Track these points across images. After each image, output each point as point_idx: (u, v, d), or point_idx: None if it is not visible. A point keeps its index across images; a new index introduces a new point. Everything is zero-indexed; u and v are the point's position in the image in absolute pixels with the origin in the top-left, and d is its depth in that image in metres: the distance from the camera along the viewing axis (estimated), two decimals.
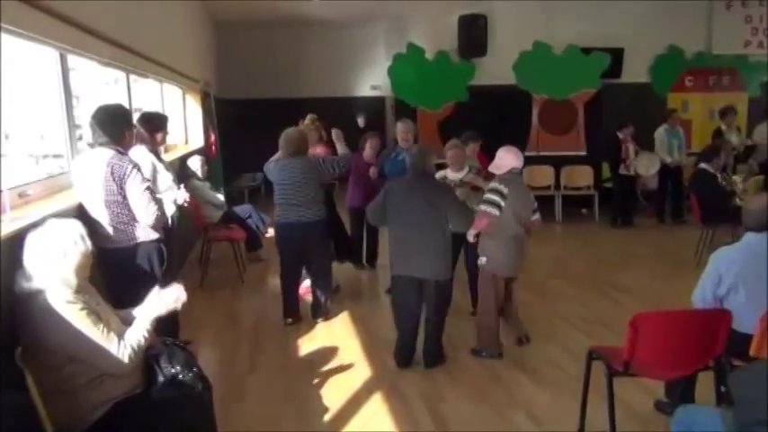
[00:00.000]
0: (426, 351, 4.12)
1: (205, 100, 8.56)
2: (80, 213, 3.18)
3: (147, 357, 2.52)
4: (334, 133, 5.18)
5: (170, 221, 3.97)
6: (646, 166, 8.37)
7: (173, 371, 2.51)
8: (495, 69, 9.20)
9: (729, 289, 3.06)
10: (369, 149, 6.10)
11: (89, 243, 2.44)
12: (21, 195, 3.19)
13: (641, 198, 9.30)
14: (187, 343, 3.27)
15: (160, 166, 4.26)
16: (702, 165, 6.66)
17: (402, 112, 8.77)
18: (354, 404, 3.62)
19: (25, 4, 2.91)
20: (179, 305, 2.60)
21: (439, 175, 4.93)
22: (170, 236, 4.00)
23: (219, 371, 4.01)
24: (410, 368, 4.08)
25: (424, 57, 9.32)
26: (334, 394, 3.75)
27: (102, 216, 3.26)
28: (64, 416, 2.30)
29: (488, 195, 4.10)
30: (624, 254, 7.20)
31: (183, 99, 8.26)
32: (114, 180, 3.19)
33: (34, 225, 2.47)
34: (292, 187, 4.69)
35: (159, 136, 4.40)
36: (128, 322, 2.53)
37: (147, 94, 6.66)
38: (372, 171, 5.75)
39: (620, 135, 8.27)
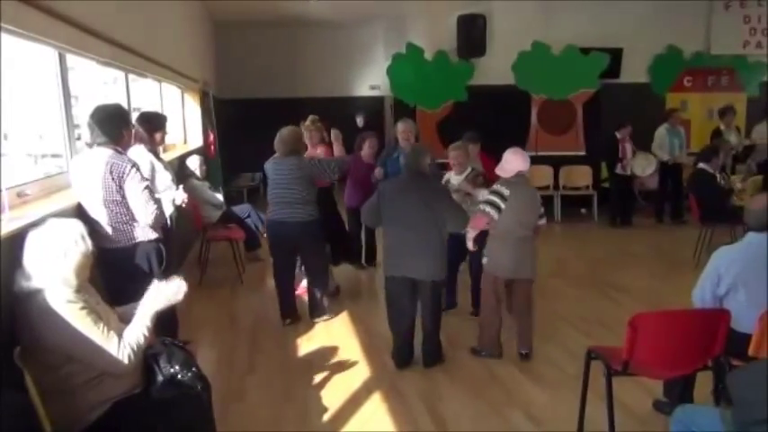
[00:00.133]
0: (425, 351, 4.12)
1: (204, 100, 8.56)
2: (78, 213, 3.17)
3: (146, 357, 2.51)
4: (333, 134, 5.18)
5: (169, 221, 3.97)
6: (642, 167, 8.38)
7: (172, 371, 2.51)
8: (494, 69, 9.20)
9: (729, 289, 3.07)
10: (368, 149, 6.10)
11: (89, 243, 2.44)
12: (19, 195, 3.18)
13: (639, 198, 9.31)
14: (186, 343, 3.27)
15: (159, 166, 4.26)
16: (701, 165, 6.67)
17: (401, 112, 8.76)
18: (353, 404, 3.62)
19: (24, 4, 2.91)
20: (180, 297, 2.57)
21: (445, 179, 4.94)
22: (169, 236, 4.00)
23: (218, 371, 4.01)
24: (409, 368, 4.08)
25: (423, 57, 9.31)
26: (333, 394, 3.75)
27: (100, 216, 3.26)
28: (62, 416, 2.30)
29: (489, 196, 4.08)
30: (623, 253, 7.21)
31: (182, 99, 8.26)
32: (113, 179, 3.19)
33: (33, 225, 2.47)
34: (284, 186, 4.68)
35: (158, 136, 4.40)
36: (126, 319, 2.52)
37: (146, 94, 6.66)
38: (378, 172, 5.68)
39: (618, 135, 8.29)
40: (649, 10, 9.37)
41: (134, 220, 3.33)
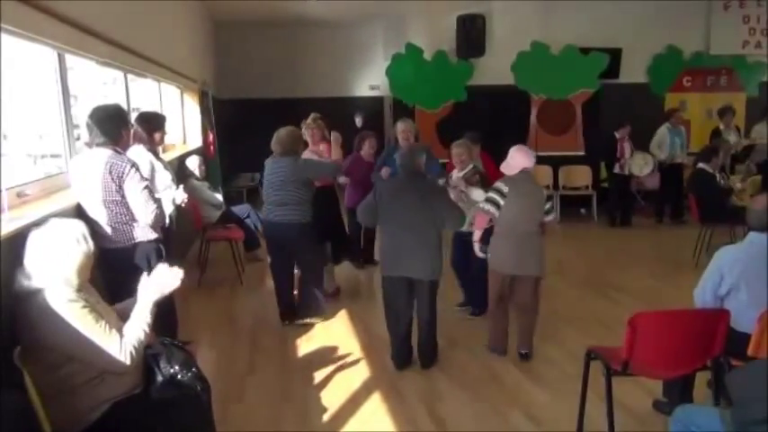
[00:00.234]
0: (422, 353, 4.11)
1: (203, 100, 8.55)
2: (78, 213, 3.17)
3: (146, 357, 2.51)
4: (333, 137, 5.16)
5: (168, 221, 3.97)
6: (639, 166, 8.39)
7: (171, 371, 2.51)
8: (494, 69, 9.20)
9: (731, 288, 3.07)
10: (368, 149, 6.10)
11: (91, 243, 2.44)
12: (19, 195, 3.18)
13: (639, 198, 9.31)
14: (186, 343, 3.27)
15: (158, 166, 4.27)
16: (701, 164, 6.68)
17: (400, 112, 8.76)
18: (353, 404, 3.62)
19: (23, 4, 2.91)
20: (177, 283, 2.51)
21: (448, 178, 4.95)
22: (168, 236, 4.00)
23: (218, 371, 4.01)
24: (409, 368, 4.08)
25: (422, 57, 9.32)
26: (332, 394, 3.75)
27: (100, 216, 3.26)
28: (62, 416, 2.29)
29: (489, 194, 4.10)
30: (623, 253, 7.21)
31: (182, 99, 8.25)
32: (113, 179, 3.19)
33: (33, 225, 2.47)
34: (277, 186, 4.66)
35: (157, 136, 4.40)
36: (126, 316, 2.50)
37: (146, 94, 6.65)
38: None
39: (618, 135, 8.29)
40: (649, 10, 9.38)
41: (134, 220, 3.33)
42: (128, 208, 3.28)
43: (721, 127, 8.65)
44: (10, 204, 2.94)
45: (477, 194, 4.57)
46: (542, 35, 9.23)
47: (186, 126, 8.44)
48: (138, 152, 4.07)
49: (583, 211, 9.22)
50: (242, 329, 4.88)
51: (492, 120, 8.49)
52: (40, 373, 2.26)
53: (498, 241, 4.13)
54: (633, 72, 9.63)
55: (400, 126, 5.81)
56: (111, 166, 3.19)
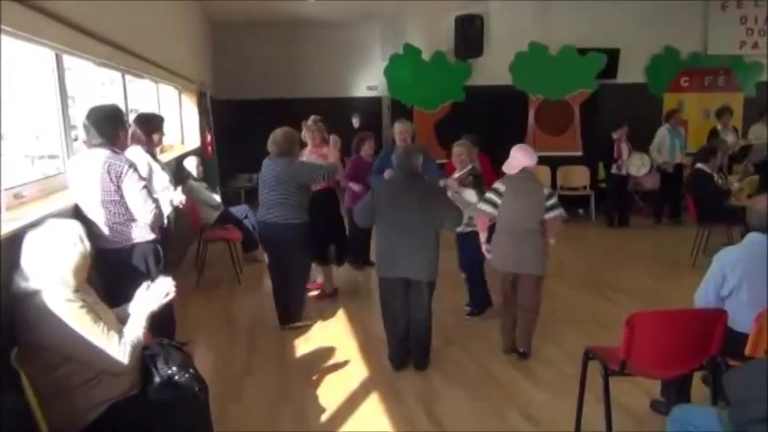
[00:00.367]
0: (416, 356, 4.09)
1: (201, 100, 8.54)
2: (76, 214, 3.17)
3: (144, 358, 2.51)
4: (332, 140, 5.13)
5: (166, 222, 3.97)
6: (637, 166, 8.40)
7: (169, 372, 2.51)
8: (492, 70, 9.21)
9: (733, 289, 3.07)
10: (369, 149, 6.10)
11: (88, 244, 2.44)
12: (16, 196, 3.18)
13: (637, 198, 9.33)
14: (183, 344, 3.26)
15: (156, 167, 4.26)
16: (699, 165, 6.68)
17: (398, 113, 8.75)
18: (351, 404, 3.63)
19: (21, 5, 2.90)
20: (171, 296, 2.56)
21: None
22: (166, 236, 4.00)
23: (216, 371, 4.01)
24: (407, 368, 4.08)
25: (420, 57, 9.32)
26: (330, 394, 3.75)
27: (98, 216, 3.25)
28: (59, 417, 2.29)
29: (487, 194, 4.11)
30: (620, 254, 7.22)
31: (180, 99, 8.24)
32: (111, 179, 3.19)
33: (31, 226, 2.47)
34: (271, 187, 4.64)
35: (155, 136, 4.40)
36: (123, 320, 2.52)
37: (143, 95, 6.65)
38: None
39: (615, 135, 8.30)
40: (646, 10, 9.39)
41: (132, 220, 3.33)
42: (126, 208, 3.28)
43: (719, 127, 8.66)
44: (7, 205, 2.93)
45: (470, 195, 4.58)
46: (540, 35, 9.24)
47: (184, 127, 8.43)
48: (135, 153, 4.06)
49: (581, 211, 9.22)
50: (240, 330, 4.88)
51: (490, 120, 8.50)
52: (37, 374, 2.26)
53: (498, 239, 4.14)
54: (631, 72, 9.64)
55: (397, 127, 5.80)
56: (109, 166, 3.19)
